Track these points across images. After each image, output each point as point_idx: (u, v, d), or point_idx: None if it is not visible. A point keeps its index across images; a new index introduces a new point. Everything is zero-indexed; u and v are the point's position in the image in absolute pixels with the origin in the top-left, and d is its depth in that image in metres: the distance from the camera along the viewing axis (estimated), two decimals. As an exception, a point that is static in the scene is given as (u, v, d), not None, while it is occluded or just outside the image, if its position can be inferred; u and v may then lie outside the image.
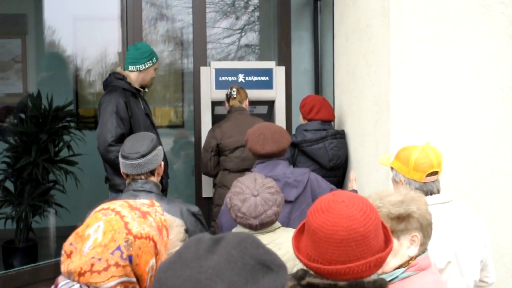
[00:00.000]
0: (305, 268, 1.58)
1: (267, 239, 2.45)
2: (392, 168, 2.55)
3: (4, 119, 5.47)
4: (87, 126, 5.84)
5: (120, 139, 3.52)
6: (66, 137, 5.19)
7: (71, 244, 1.36)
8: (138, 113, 3.90)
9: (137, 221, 1.37)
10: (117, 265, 1.32)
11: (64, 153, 5.18)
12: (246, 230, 2.46)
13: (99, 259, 1.31)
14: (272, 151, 3.22)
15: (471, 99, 3.27)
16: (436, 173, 2.45)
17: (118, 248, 1.32)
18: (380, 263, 1.50)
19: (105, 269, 1.31)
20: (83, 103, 6.17)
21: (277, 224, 2.52)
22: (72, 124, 5.40)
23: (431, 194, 2.42)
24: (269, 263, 1.06)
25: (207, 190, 4.55)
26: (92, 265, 1.31)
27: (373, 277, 1.57)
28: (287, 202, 3.25)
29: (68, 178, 5.12)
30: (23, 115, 5.17)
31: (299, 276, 1.56)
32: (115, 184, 3.73)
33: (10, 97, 5.85)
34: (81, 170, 5.19)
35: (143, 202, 1.49)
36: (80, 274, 1.31)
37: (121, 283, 1.33)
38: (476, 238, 2.43)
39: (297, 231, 1.65)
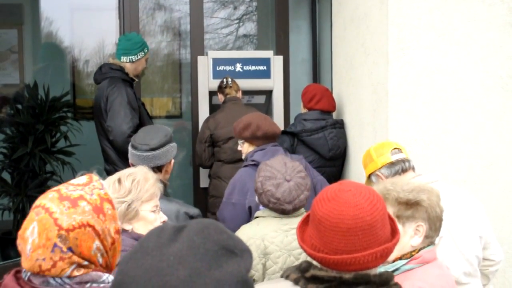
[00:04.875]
0: (309, 260, 1.56)
1: (296, 222, 2.46)
2: (369, 179, 2.59)
3: (0, 110, 5.44)
4: (84, 116, 5.78)
5: (137, 130, 3.47)
6: (63, 128, 5.16)
7: (19, 244, 1.40)
8: (140, 104, 3.89)
9: (65, 214, 1.37)
10: (62, 259, 1.36)
11: (61, 143, 5.15)
12: (277, 214, 2.49)
13: (44, 259, 1.35)
14: (279, 131, 3.38)
15: (470, 87, 3.26)
16: (399, 150, 2.50)
17: (55, 245, 1.35)
18: (386, 253, 1.49)
19: (53, 266, 1.35)
20: (80, 94, 6.14)
21: (303, 210, 2.55)
22: (69, 115, 5.36)
23: (403, 171, 2.46)
24: (233, 247, 1.06)
25: (205, 180, 4.52)
26: (40, 266, 1.35)
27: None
28: None
29: (65, 169, 5.10)
30: (19, 106, 5.14)
31: (303, 269, 1.53)
32: None
33: (7, 88, 5.81)
34: (78, 161, 5.16)
35: (78, 182, 1.47)
36: (35, 273, 1.37)
37: (76, 268, 1.37)
38: (469, 214, 2.44)
39: (301, 221, 1.63)
